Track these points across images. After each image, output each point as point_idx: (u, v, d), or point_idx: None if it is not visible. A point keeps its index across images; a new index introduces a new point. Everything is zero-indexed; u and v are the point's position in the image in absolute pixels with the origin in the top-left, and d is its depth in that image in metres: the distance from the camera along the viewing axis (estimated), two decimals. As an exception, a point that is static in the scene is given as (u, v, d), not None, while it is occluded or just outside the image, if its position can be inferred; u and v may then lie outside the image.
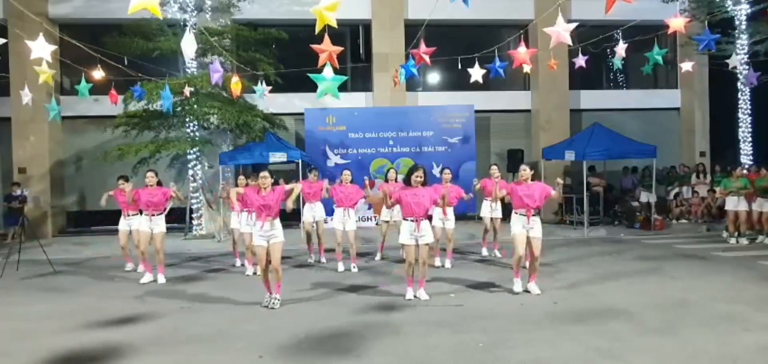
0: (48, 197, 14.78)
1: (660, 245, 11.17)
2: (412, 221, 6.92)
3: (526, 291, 7.21)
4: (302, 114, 14.91)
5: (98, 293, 7.88)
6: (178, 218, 14.24)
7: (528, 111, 16.95)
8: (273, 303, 6.74)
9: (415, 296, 7.01)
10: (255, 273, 8.52)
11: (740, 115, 15.54)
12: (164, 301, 7.28)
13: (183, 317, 6.55)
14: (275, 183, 6.99)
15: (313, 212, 9.67)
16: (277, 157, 13.23)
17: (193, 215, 14.07)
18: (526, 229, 7.13)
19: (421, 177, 7.04)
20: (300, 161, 13.50)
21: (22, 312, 6.99)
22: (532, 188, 7.19)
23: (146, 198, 8.48)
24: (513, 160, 15.40)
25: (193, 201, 13.97)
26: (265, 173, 6.90)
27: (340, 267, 8.93)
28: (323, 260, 9.74)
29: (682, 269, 8.79)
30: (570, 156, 13.80)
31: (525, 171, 7.30)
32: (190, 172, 13.78)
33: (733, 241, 11.21)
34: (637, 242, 11.71)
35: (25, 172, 14.55)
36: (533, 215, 7.12)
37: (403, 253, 7.98)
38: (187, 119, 13.46)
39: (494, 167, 9.77)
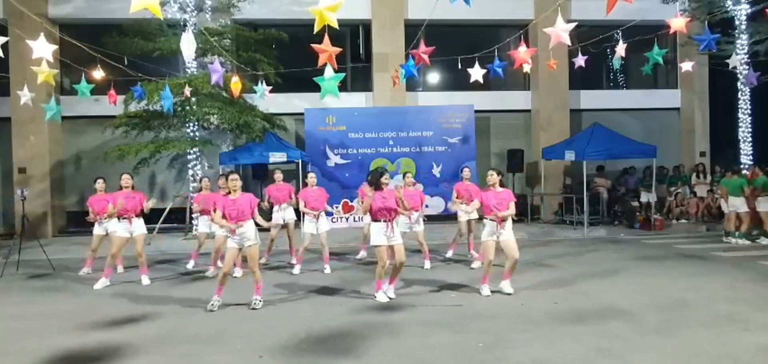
0: (48, 197, 14.77)
1: (660, 245, 11.17)
2: (384, 222, 6.94)
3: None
4: (302, 114, 14.90)
5: (98, 293, 7.88)
6: (178, 219, 14.25)
7: (528, 111, 16.95)
8: (255, 303, 6.76)
9: (387, 296, 7.01)
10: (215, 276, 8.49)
11: (740, 115, 15.51)
12: (164, 301, 7.28)
13: (183, 317, 6.55)
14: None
15: (282, 213, 9.60)
16: (277, 157, 13.22)
17: (193, 215, 14.05)
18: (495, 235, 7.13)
19: (387, 179, 7.14)
20: (300, 161, 13.51)
21: (22, 312, 6.99)
22: (501, 196, 7.18)
23: (122, 201, 8.33)
24: (513, 160, 15.42)
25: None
26: (234, 175, 6.85)
27: (296, 270, 8.80)
28: (293, 260, 9.58)
29: (682, 269, 8.79)
30: (570, 156, 13.79)
31: (492, 176, 7.29)
32: (190, 172, 13.78)
33: (732, 241, 11.20)
34: (637, 242, 11.70)
35: (25, 172, 14.55)
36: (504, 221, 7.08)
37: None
38: (187, 119, 13.46)
39: (466, 170, 9.70)
